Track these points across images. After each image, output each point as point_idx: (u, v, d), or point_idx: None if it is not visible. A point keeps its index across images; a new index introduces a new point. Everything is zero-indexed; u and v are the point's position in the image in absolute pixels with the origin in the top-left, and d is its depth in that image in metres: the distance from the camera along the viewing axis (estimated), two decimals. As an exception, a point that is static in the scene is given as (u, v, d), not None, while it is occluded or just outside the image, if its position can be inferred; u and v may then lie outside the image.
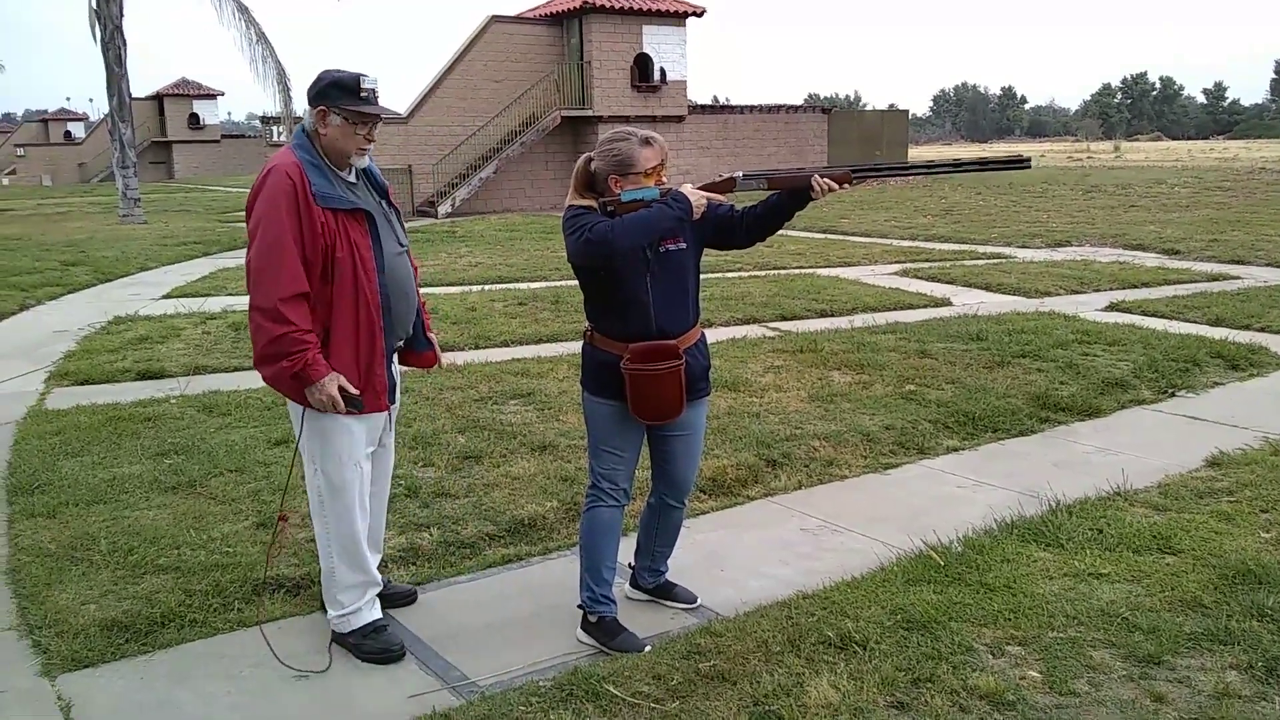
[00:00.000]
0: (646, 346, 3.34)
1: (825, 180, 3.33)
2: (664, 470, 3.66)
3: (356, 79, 3.28)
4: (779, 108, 31.82)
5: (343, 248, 3.26)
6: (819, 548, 4.36)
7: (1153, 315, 9.38)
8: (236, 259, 15.66)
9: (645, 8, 26.84)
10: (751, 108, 31.18)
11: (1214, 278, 11.84)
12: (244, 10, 24.03)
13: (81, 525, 4.48)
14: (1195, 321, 9.01)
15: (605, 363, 3.41)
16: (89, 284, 12.99)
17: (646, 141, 3.33)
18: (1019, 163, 3.49)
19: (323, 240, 3.21)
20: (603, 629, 3.51)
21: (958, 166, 3.61)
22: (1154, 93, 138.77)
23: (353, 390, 3.26)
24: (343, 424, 3.36)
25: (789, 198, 3.40)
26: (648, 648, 3.42)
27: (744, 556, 4.27)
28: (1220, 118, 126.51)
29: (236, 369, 7.73)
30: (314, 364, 3.18)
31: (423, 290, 3.83)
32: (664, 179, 3.35)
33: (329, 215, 3.24)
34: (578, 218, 3.27)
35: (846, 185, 3.37)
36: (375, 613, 3.56)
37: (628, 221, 3.21)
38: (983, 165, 3.57)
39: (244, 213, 3.41)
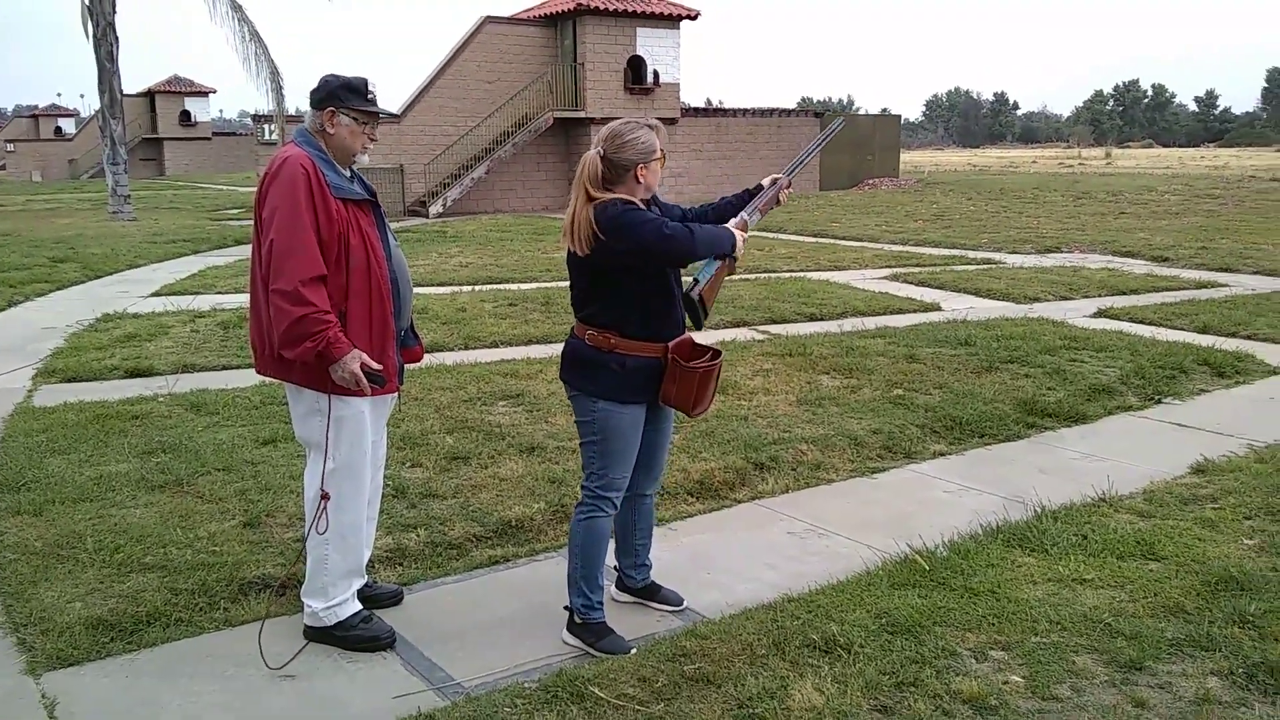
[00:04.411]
0: (684, 342, 3.45)
1: (787, 191, 3.75)
2: (647, 463, 3.66)
3: (364, 81, 3.49)
4: (772, 111, 31.87)
5: (355, 235, 3.39)
6: (805, 551, 4.38)
7: (1141, 322, 9.42)
8: (225, 257, 15.63)
9: (639, 10, 26.87)
10: (744, 111, 31.22)
11: (1202, 285, 11.91)
12: (237, 8, 23.95)
13: (68, 523, 4.46)
14: (1183, 329, 9.07)
15: (639, 367, 3.39)
16: (78, 281, 12.94)
17: (653, 127, 3.38)
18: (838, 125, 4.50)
19: (338, 228, 3.34)
20: (590, 631, 3.52)
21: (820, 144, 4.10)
22: (1146, 100, 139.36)
23: (374, 365, 3.35)
24: (356, 406, 3.45)
25: (741, 202, 3.68)
26: (633, 650, 3.43)
27: (730, 559, 4.29)
28: (1211, 125, 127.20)
29: (225, 367, 7.72)
30: (336, 342, 3.28)
31: (413, 290, 3.86)
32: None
33: (341, 205, 3.37)
34: (634, 211, 3.25)
35: (790, 187, 3.78)
36: (358, 604, 3.62)
37: (708, 233, 3.35)
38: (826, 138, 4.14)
39: (251, 206, 3.48)
